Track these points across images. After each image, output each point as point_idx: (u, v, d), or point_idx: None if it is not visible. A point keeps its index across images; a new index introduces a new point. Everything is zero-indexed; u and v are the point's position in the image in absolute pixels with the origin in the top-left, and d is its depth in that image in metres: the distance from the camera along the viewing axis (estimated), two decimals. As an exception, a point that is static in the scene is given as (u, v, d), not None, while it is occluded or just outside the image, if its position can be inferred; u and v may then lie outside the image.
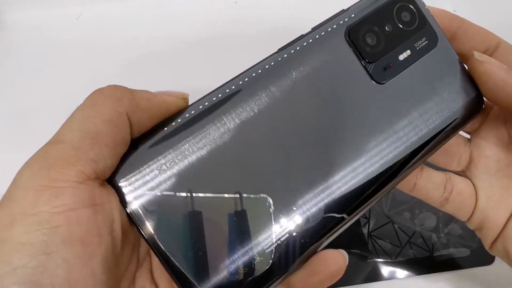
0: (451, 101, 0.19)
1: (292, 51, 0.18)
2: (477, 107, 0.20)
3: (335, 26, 0.19)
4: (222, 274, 0.16)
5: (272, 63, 0.18)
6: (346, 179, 0.18)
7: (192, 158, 0.17)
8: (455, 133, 0.20)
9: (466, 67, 0.20)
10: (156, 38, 0.39)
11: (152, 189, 0.16)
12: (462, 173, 0.22)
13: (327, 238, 0.18)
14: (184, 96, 0.18)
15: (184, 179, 0.16)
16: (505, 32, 0.22)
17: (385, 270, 0.28)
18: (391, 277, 0.28)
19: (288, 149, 0.17)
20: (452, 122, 0.19)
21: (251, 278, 0.16)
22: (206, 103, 0.17)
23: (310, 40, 0.18)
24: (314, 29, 0.19)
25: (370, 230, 0.30)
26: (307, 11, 0.39)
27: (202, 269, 0.16)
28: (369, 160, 0.18)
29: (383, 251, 0.29)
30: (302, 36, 0.18)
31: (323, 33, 0.18)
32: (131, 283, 0.17)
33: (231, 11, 0.40)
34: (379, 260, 0.29)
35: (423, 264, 0.29)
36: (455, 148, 0.22)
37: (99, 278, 0.14)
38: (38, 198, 0.14)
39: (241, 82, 0.18)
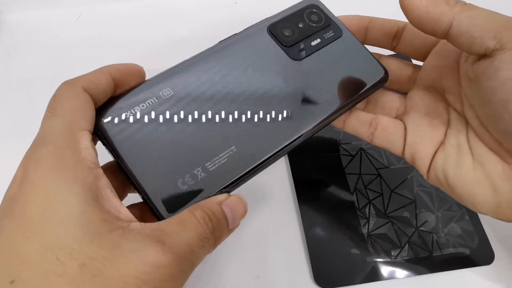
0: (356, 73, 0.26)
1: (232, 41, 0.25)
2: (381, 77, 0.26)
3: (259, 26, 0.26)
4: (173, 184, 0.21)
5: (218, 49, 0.25)
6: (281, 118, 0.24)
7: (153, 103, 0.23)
8: (362, 98, 0.26)
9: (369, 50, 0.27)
10: (156, 38, 0.39)
11: (125, 119, 0.22)
12: (400, 120, 0.27)
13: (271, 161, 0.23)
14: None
15: (148, 114, 0.22)
16: None
17: (385, 270, 0.29)
18: (391, 277, 0.28)
19: (236, 96, 0.23)
20: (357, 89, 0.25)
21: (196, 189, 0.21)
22: (157, 77, 0.24)
23: (243, 35, 0.26)
24: (245, 29, 0.26)
25: (369, 230, 0.30)
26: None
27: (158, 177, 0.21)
28: (293, 108, 0.24)
29: (383, 251, 0.29)
30: (236, 34, 0.26)
31: (252, 30, 0.26)
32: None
33: (231, 11, 0.41)
34: (379, 260, 0.29)
35: (423, 264, 0.29)
36: (392, 104, 0.28)
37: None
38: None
39: (198, 58, 0.24)
